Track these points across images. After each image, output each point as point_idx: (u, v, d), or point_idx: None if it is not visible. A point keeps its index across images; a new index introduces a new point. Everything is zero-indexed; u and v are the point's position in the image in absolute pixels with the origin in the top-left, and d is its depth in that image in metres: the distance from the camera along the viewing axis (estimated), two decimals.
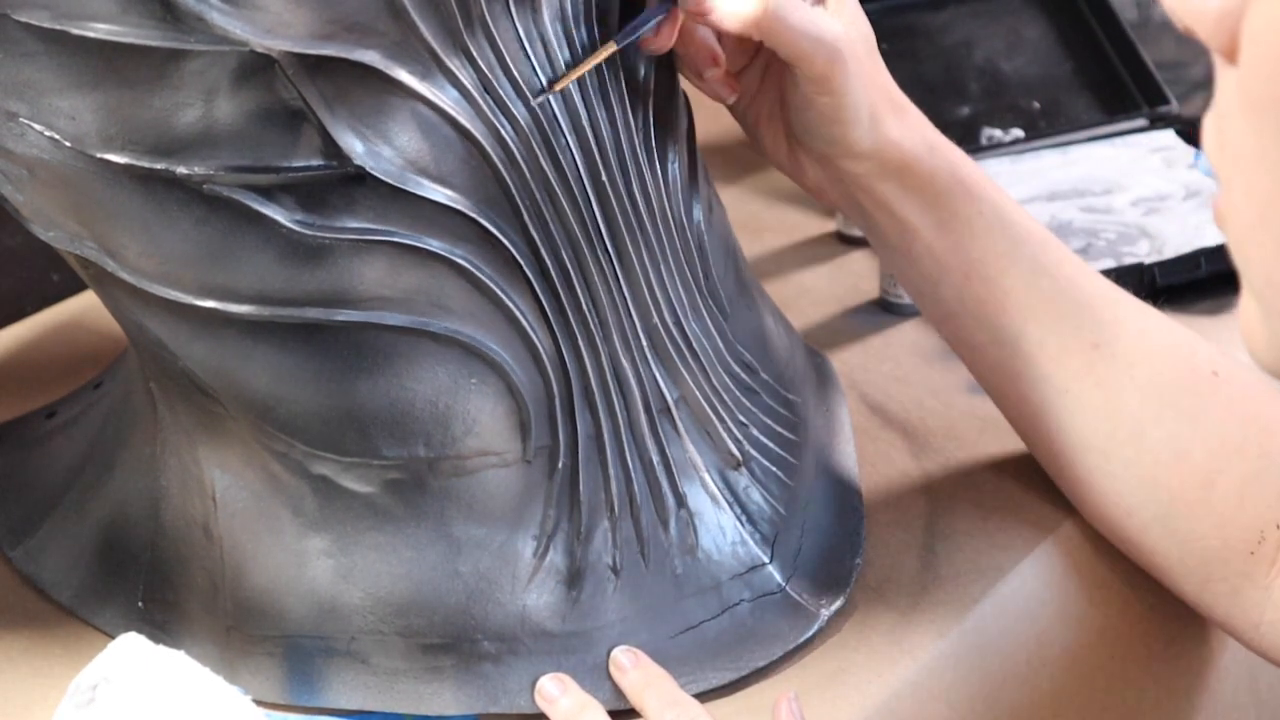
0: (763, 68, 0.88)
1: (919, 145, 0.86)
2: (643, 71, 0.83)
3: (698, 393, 0.84)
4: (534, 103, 0.78)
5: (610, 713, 0.79)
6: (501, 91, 0.77)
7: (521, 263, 0.78)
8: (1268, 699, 1.00)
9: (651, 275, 0.82)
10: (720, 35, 0.86)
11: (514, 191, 0.78)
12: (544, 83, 0.78)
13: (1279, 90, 0.48)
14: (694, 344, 0.84)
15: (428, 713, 0.80)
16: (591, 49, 0.81)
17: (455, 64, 0.76)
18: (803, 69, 0.82)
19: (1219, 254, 1.09)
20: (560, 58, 0.79)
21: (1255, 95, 0.49)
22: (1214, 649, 0.95)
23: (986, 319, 0.87)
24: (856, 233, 1.17)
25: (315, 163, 0.74)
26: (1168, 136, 1.23)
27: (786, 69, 0.84)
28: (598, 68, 0.81)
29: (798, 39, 0.81)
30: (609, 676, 0.81)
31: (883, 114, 0.84)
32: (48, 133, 0.74)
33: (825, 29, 0.81)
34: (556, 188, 0.79)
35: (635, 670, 0.80)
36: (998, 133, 1.25)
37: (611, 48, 0.80)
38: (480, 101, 0.77)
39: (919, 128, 0.86)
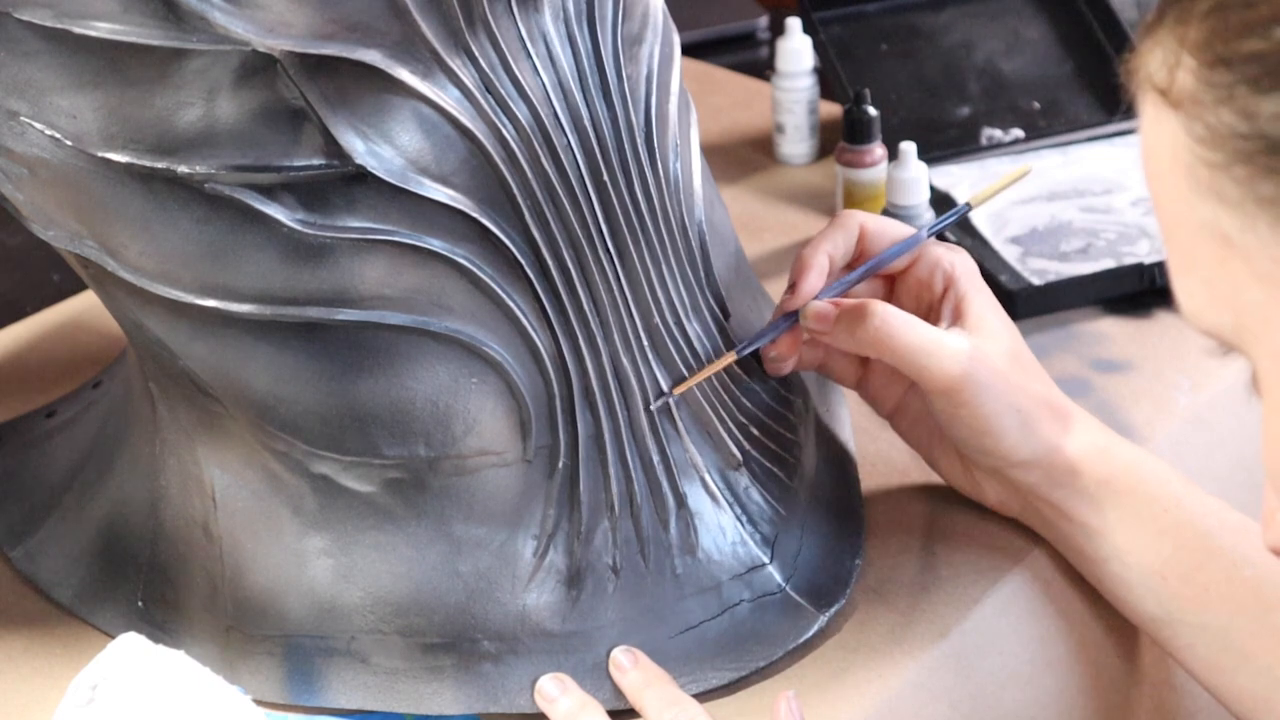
0: (909, 380, 0.88)
1: (1088, 448, 0.84)
2: (645, 70, 0.83)
3: (698, 392, 0.84)
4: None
5: (610, 712, 0.79)
6: (503, 91, 0.77)
7: (522, 262, 0.78)
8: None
9: (653, 275, 0.82)
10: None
11: (515, 191, 0.78)
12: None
13: None
14: (694, 344, 0.84)
15: (427, 712, 0.80)
16: (594, 49, 0.81)
17: (457, 63, 0.76)
18: (924, 384, 0.83)
19: None
20: (562, 57, 0.79)
21: None
22: None
23: (1190, 617, 0.82)
24: None
25: (316, 162, 0.74)
26: None
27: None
28: (598, 66, 0.81)
29: (912, 356, 0.82)
30: (609, 676, 0.81)
31: (1038, 420, 0.83)
32: (49, 131, 0.74)
33: (940, 346, 0.82)
34: (558, 187, 0.79)
35: (635, 670, 0.80)
36: (998, 133, 1.25)
37: (731, 356, 0.83)
38: (482, 101, 0.77)
39: (1088, 431, 0.84)
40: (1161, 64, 0.50)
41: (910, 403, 0.89)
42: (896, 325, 0.82)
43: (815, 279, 0.84)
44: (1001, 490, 0.88)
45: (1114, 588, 0.85)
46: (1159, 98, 0.51)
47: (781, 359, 0.86)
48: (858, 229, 0.87)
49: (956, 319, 0.85)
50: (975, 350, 0.82)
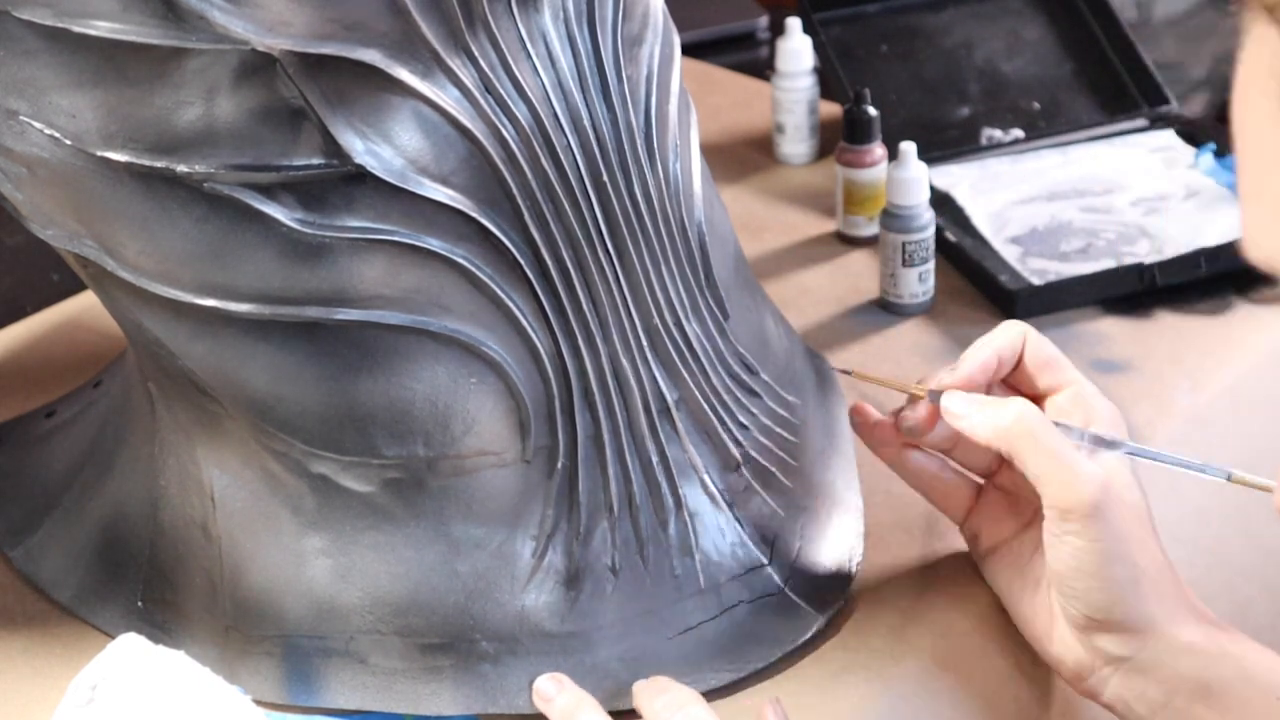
0: (1023, 522, 0.84)
1: (1193, 639, 0.76)
2: (645, 71, 0.83)
3: (697, 394, 0.84)
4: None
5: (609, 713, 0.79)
6: (503, 91, 0.77)
7: (522, 262, 0.78)
8: None
9: (652, 275, 0.82)
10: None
11: (514, 191, 0.78)
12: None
13: None
14: (694, 345, 0.84)
15: (426, 713, 0.80)
16: (594, 50, 0.81)
17: (456, 63, 0.76)
18: (1047, 495, 0.77)
19: (1219, 254, 1.09)
20: (561, 58, 0.79)
21: None
22: None
23: None
24: (856, 233, 1.17)
25: (315, 161, 0.74)
26: (1168, 136, 1.23)
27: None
28: (598, 66, 0.81)
29: (1045, 460, 0.77)
30: (608, 677, 0.81)
31: (1150, 586, 0.77)
32: (48, 131, 0.74)
33: (1078, 464, 0.76)
34: (557, 187, 0.79)
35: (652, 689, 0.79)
36: (998, 133, 1.25)
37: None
38: (481, 101, 0.77)
39: (1198, 627, 0.77)
40: None
41: (1017, 547, 0.84)
42: (1039, 427, 0.77)
43: (978, 373, 0.81)
44: (1081, 661, 0.80)
45: None
46: (1267, 15, 0.50)
47: (916, 432, 0.83)
48: (1021, 339, 0.82)
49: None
50: (1111, 486, 0.76)
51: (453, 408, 0.78)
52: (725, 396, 0.85)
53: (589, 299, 0.80)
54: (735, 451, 0.85)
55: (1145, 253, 1.11)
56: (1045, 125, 1.26)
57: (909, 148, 1.08)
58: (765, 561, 0.85)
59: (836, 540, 0.88)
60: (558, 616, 0.80)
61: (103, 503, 0.87)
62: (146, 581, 0.85)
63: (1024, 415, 0.78)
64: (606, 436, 0.81)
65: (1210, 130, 1.24)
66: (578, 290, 0.80)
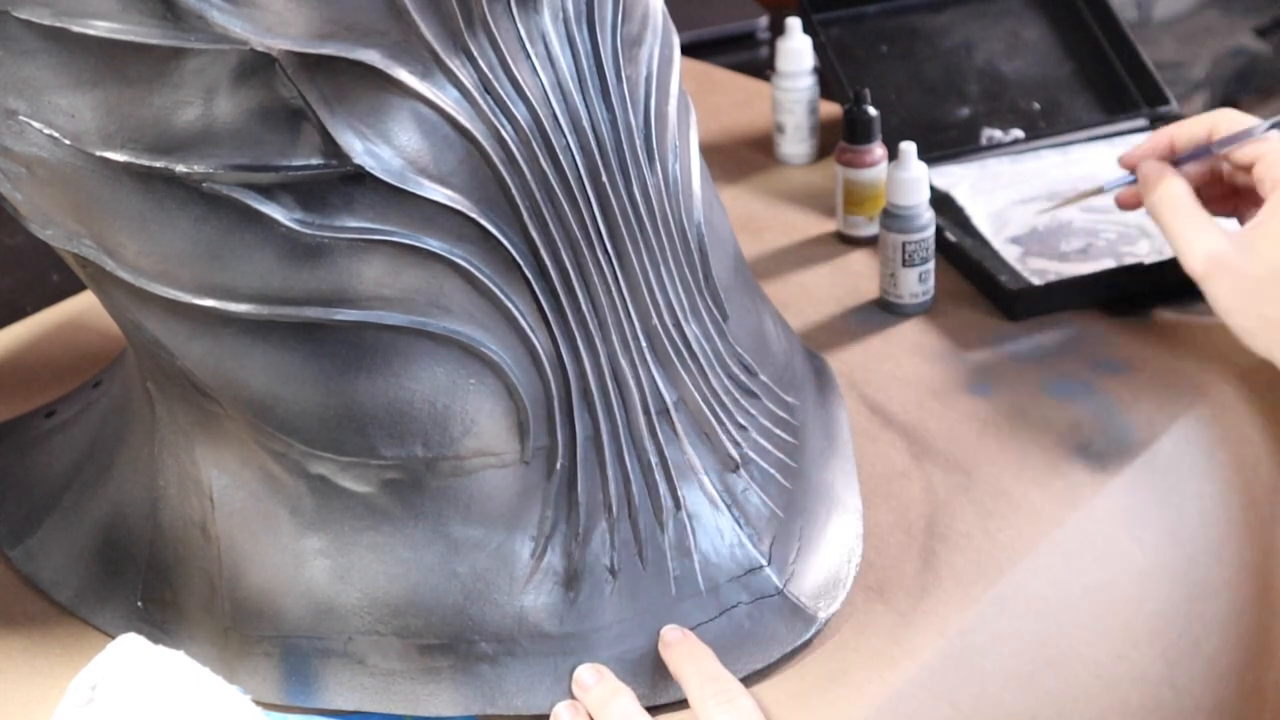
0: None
1: None
2: (644, 72, 0.83)
3: (696, 395, 0.84)
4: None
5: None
6: (502, 91, 0.77)
7: (521, 263, 0.78)
8: (1273, 698, 1.00)
9: (651, 276, 0.82)
10: None
11: (514, 192, 0.78)
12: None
13: None
14: (693, 346, 0.84)
15: (424, 714, 0.80)
16: (593, 50, 0.81)
17: (456, 64, 0.76)
18: (1178, 256, 0.94)
19: None
20: (561, 58, 0.79)
21: None
22: (1221, 648, 0.95)
23: None
24: (856, 233, 1.17)
25: (315, 162, 0.74)
26: None
27: None
28: (598, 67, 0.81)
29: (1169, 237, 0.95)
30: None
31: None
32: (47, 130, 0.74)
33: (1193, 239, 0.92)
34: (556, 188, 0.79)
35: (681, 645, 0.80)
36: (998, 133, 1.25)
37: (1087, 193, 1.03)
38: (480, 101, 0.77)
39: None
40: None
41: None
42: (1164, 205, 0.94)
43: (1147, 147, 0.99)
44: None
45: None
46: None
47: (1125, 207, 1.02)
48: (1206, 131, 0.98)
49: (1252, 214, 0.92)
50: (1225, 253, 0.90)
51: (451, 408, 0.78)
52: (724, 397, 0.85)
53: (588, 300, 0.80)
54: (734, 452, 0.85)
55: (1145, 253, 1.11)
56: (1045, 125, 1.26)
57: (909, 148, 1.08)
58: (764, 563, 0.85)
59: (835, 541, 0.88)
60: (556, 617, 0.80)
61: (102, 503, 0.87)
62: (146, 581, 0.85)
63: (1154, 195, 0.96)
64: (605, 437, 0.81)
65: None
66: (577, 291, 0.80)
